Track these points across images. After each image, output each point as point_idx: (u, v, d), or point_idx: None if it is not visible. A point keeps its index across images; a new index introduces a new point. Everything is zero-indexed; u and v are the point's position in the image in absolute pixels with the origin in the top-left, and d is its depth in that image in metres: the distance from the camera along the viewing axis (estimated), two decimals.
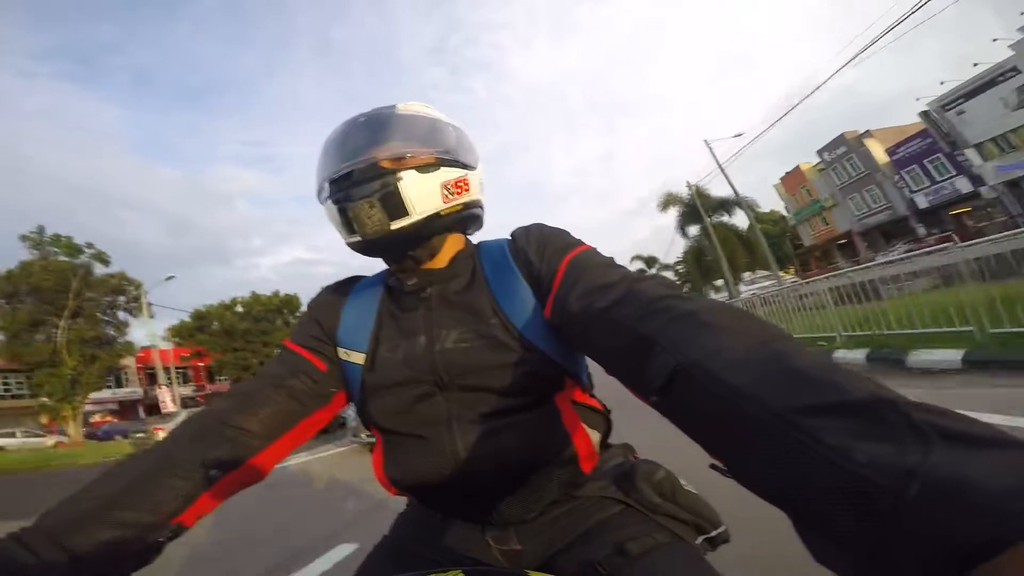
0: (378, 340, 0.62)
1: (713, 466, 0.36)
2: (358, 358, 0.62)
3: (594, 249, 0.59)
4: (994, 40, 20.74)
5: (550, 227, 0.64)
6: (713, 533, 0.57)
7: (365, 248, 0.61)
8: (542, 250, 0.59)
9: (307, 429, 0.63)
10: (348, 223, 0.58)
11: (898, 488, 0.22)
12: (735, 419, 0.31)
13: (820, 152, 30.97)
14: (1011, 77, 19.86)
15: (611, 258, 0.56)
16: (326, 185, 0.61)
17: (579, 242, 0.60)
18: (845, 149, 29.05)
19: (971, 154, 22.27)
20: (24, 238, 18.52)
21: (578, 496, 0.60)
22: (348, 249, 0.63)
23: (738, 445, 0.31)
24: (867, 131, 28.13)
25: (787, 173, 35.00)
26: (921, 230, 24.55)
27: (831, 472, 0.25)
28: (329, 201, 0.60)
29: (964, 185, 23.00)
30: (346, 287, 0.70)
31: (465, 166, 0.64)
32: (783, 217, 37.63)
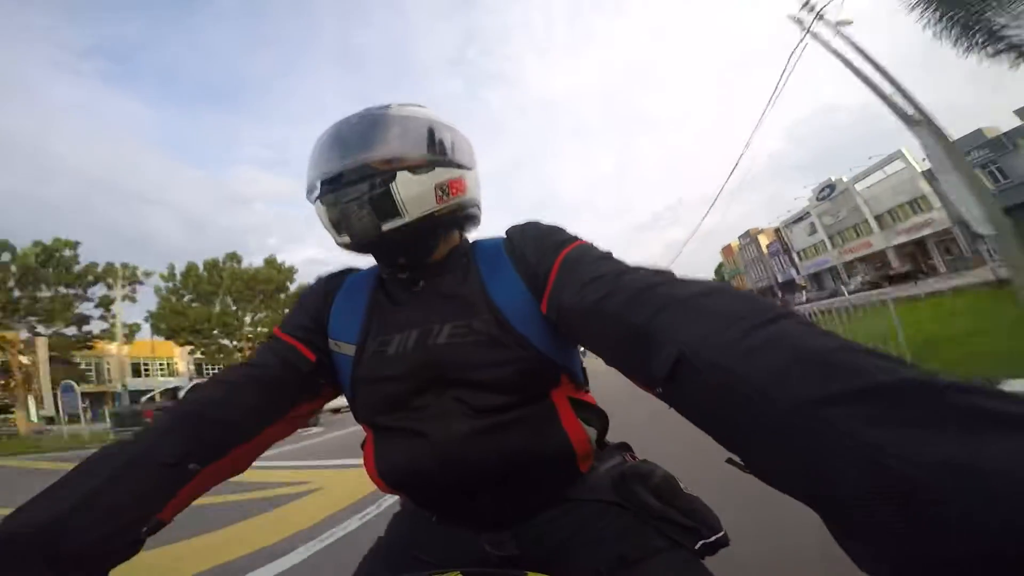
0: (369, 333, 0.61)
1: (730, 460, 0.35)
2: (348, 350, 0.61)
3: (590, 244, 0.57)
4: (795, 198, 37.08)
5: (545, 224, 0.63)
6: (712, 538, 0.54)
7: (355, 249, 0.61)
8: (537, 247, 0.59)
9: (293, 422, 0.62)
10: (338, 224, 0.58)
11: (936, 482, 0.20)
12: (748, 411, 0.28)
13: (740, 237, 47.24)
14: (807, 218, 35.99)
15: (608, 252, 0.55)
16: (316, 185, 0.60)
17: (574, 237, 0.59)
18: (749, 239, 45.22)
19: (796, 256, 38.40)
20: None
21: (574, 499, 0.59)
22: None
23: (754, 440, 0.29)
24: (761, 229, 44.10)
25: (724, 246, 51.29)
26: (780, 294, 40.42)
27: (859, 466, 0.22)
28: (319, 202, 0.59)
29: (794, 273, 39.05)
30: (339, 278, 0.69)
31: (460, 166, 0.63)
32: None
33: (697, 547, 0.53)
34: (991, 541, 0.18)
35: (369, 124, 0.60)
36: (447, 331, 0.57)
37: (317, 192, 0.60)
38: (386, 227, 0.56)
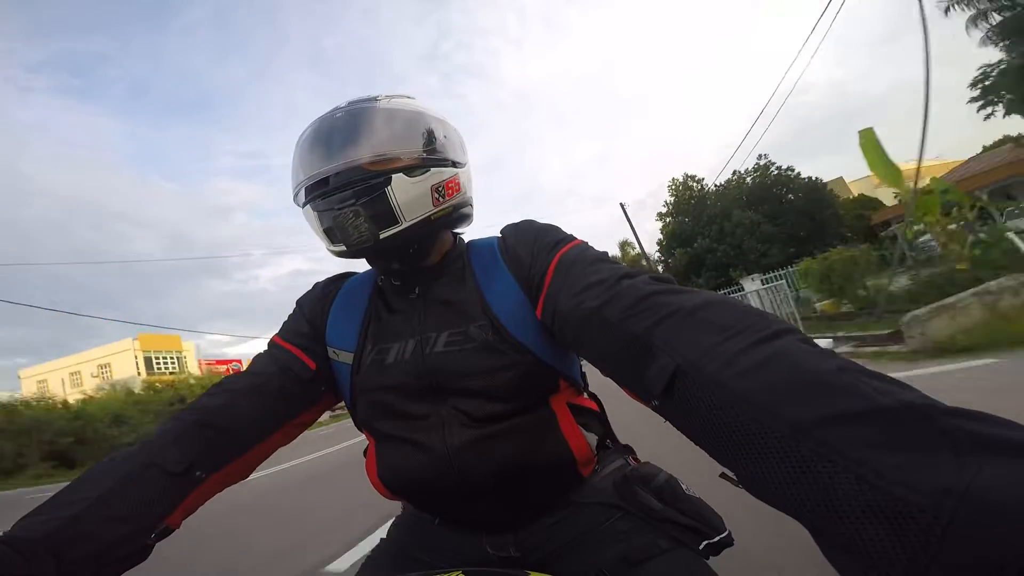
0: (366, 341, 0.61)
1: (723, 475, 0.34)
2: (347, 358, 0.61)
3: (585, 244, 0.57)
4: None
5: (540, 223, 0.62)
6: (716, 538, 0.53)
7: (351, 256, 0.58)
8: (532, 248, 0.57)
9: (295, 429, 0.62)
10: (331, 231, 0.55)
11: (933, 507, 0.20)
12: (744, 428, 0.29)
13: None
14: None
15: (604, 253, 0.54)
16: (303, 189, 0.57)
17: (570, 237, 0.58)
18: None
19: None
20: None
21: (576, 502, 0.58)
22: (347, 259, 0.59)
23: (749, 456, 0.29)
24: None
25: None
26: None
27: (856, 489, 0.23)
28: (309, 207, 0.56)
29: None
30: (336, 284, 0.68)
31: (455, 164, 0.61)
32: None
33: (701, 547, 0.53)
34: (982, 567, 0.19)
35: (357, 120, 0.57)
36: (444, 339, 0.57)
37: (305, 196, 0.57)
38: (383, 235, 0.54)
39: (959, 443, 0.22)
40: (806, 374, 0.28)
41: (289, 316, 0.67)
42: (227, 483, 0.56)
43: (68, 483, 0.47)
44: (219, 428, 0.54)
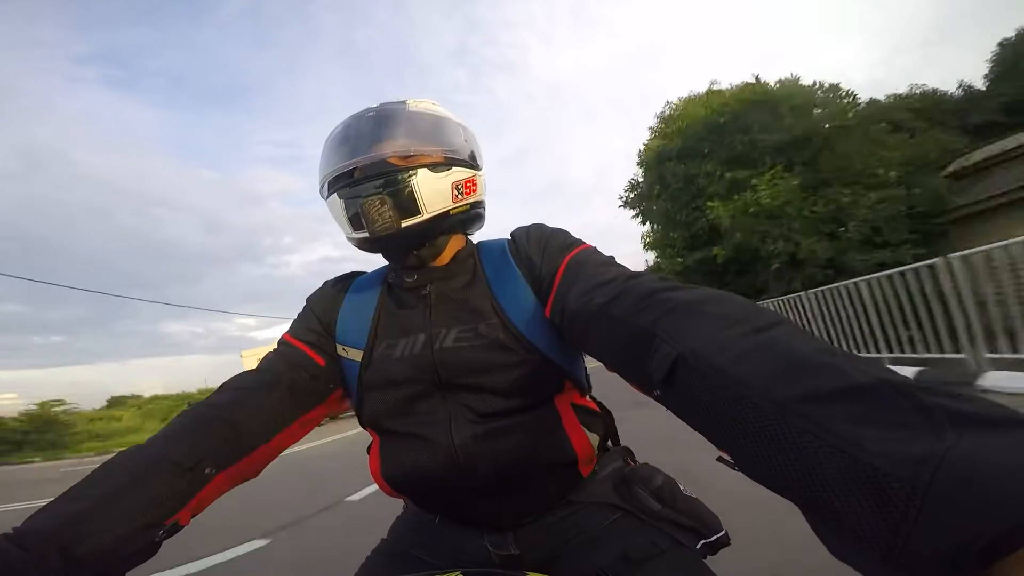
0: (376, 337, 0.61)
1: (720, 459, 0.36)
2: (356, 355, 0.61)
3: (594, 248, 0.59)
4: None
5: (550, 227, 0.64)
6: (713, 538, 0.55)
7: (370, 245, 0.60)
8: (542, 250, 0.60)
9: (304, 425, 0.62)
10: (355, 219, 0.57)
11: (911, 477, 0.21)
12: (738, 410, 0.30)
13: None
14: None
15: (611, 257, 0.56)
16: (332, 178, 0.59)
17: (579, 241, 0.60)
18: None
19: None
20: None
21: (576, 501, 0.59)
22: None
23: (743, 437, 0.30)
24: None
25: None
26: None
27: (840, 462, 0.24)
28: (335, 195, 0.59)
29: None
30: (345, 282, 0.69)
31: (473, 166, 0.64)
32: None
33: (698, 547, 0.55)
34: (959, 535, 0.19)
35: (386, 119, 0.61)
36: (453, 335, 0.58)
37: (333, 185, 0.60)
38: (405, 223, 0.57)
39: (934, 417, 0.23)
40: (796, 357, 0.30)
41: (299, 315, 0.68)
42: (236, 481, 0.56)
43: (80, 480, 0.46)
44: (229, 424, 0.54)
